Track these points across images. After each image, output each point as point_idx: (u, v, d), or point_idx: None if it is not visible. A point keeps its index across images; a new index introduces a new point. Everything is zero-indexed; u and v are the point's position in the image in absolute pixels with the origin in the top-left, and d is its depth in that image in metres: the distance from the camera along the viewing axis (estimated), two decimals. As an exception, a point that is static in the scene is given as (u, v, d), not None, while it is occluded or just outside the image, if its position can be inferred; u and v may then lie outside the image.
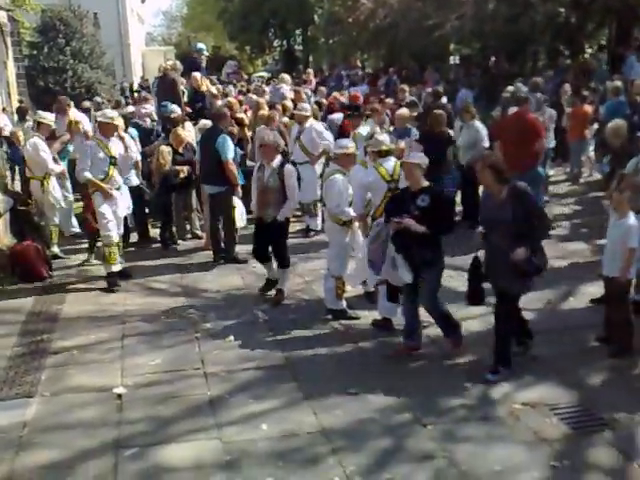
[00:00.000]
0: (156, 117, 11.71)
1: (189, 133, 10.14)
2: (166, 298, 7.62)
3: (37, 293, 7.89)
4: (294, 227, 9.67)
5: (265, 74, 23.72)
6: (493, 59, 21.62)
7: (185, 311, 7.17)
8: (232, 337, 6.43)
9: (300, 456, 4.55)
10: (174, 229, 9.74)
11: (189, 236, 9.92)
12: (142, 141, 10.39)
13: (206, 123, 9.68)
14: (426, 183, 5.83)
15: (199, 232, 9.86)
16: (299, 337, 6.43)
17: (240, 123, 10.52)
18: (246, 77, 22.00)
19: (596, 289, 6.70)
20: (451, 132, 9.86)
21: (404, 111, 10.23)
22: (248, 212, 8.43)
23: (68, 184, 10.06)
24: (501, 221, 5.21)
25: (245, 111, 11.91)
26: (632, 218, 5.68)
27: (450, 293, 6.63)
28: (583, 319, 6.50)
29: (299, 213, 10.12)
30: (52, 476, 4.44)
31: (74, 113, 11.31)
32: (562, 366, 5.60)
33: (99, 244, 8.37)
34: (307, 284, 7.82)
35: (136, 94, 18.48)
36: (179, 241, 9.71)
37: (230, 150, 8.53)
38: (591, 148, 12.26)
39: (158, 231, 9.77)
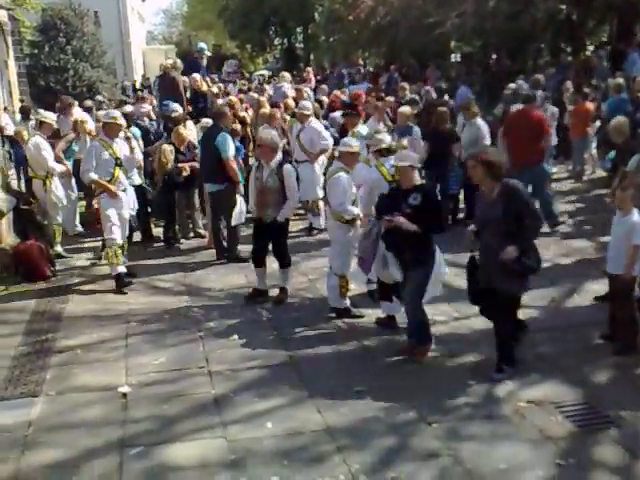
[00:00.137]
0: (154, 116, 11.71)
1: (191, 132, 10.13)
2: (170, 297, 7.62)
3: (41, 292, 7.89)
4: (297, 226, 9.68)
5: (266, 72, 23.77)
6: (494, 56, 21.61)
7: (189, 310, 7.17)
8: (236, 336, 6.43)
9: (305, 454, 4.54)
10: (177, 228, 9.74)
11: (192, 235, 9.91)
12: (143, 140, 10.38)
13: (208, 122, 9.68)
14: (419, 181, 5.80)
15: (202, 231, 9.85)
16: (303, 336, 6.43)
17: (243, 122, 10.52)
18: (247, 75, 22.01)
19: (600, 286, 6.68)
20: (452, 130, 9.87)
21: (406, 109, 10.18)
22: (248, 211, 8.41)
23: (73, 183, 9.99)
24: (492, 219, 5.15)
25: (246, 109, 11.90)
26: (636, 215, 5.67)
27: (454, 291, 6.63)
28: (587, 317, 6.48)
29: (302, 212, 10.11)
30: (57, 475, 4.44)
31: (79, 112, 11.30)
32: (567, 364, 5.59)
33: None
34: (310, 283, 7.81)
35: (139, 92, 18.49)
36: (182, 240, 9.71)
37: (230, 148, 8.50)
38: (593, 145, 12.26)
39: (161, 230, 9.77)
